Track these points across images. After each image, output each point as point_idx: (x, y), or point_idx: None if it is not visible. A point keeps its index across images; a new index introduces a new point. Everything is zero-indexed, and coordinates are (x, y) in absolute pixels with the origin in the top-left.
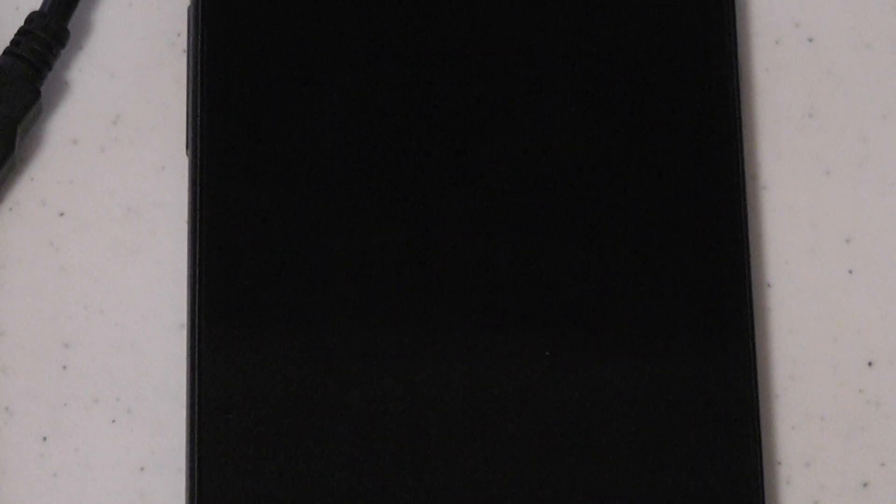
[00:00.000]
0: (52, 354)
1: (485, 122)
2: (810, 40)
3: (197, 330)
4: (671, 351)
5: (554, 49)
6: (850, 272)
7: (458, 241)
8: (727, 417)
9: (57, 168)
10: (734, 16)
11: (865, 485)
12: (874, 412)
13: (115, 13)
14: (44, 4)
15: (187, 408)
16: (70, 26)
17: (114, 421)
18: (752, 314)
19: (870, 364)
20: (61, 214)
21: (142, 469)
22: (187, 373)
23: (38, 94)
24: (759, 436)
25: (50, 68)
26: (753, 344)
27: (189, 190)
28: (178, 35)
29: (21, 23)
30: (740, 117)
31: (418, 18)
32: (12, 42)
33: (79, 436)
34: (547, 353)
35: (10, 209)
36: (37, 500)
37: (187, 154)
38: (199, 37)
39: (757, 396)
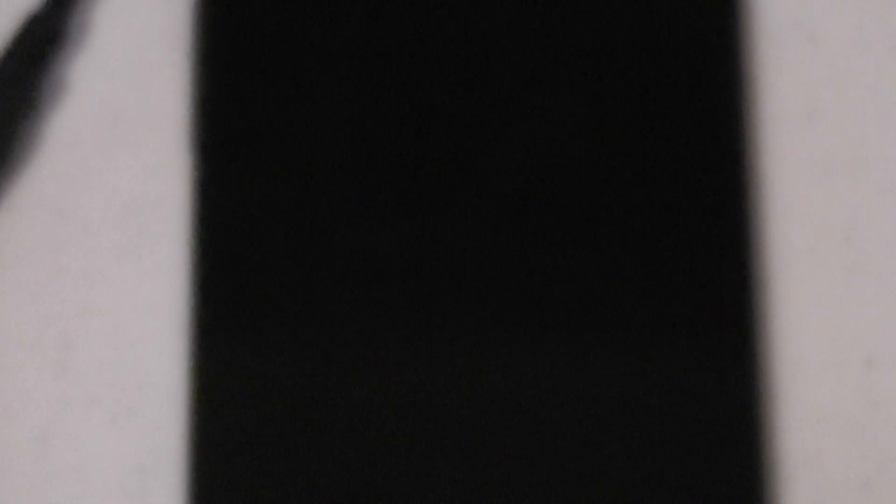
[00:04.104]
0: (52, 354)
1: (487, 123)
2: (810, 40)
3: (197, 330)
4: (671, 351)
5: (556, 49)
6: (850, 272)
7: (459, 241)
8: (727, 417)
9: (57, 168)
10: (735, 16)
11: (865, 485)
12: (874, 412)
13: (115, 13)
14: (43, 4)
15: (187, 408)
16: (70, 26)
17: (114, 421)
18: (752, 314)
19: (870, 364)
20: (61, 215)
21: (142, 469)
22: (187, 373)
23: (37, 94)
24: (760, 436)
25: (49, 68)
26: (754, 344)
27: (189, 190)
28: (179, 35)
29: (21, 23)
30: (741, 117)
31: (420, 17)
32: (11, 42)
33: (78, 436)
34: (548, 354)
35: (10, 209)
36: (36, 500)
37: (188, 153)
38: (199, 37)
39: (757, 396)
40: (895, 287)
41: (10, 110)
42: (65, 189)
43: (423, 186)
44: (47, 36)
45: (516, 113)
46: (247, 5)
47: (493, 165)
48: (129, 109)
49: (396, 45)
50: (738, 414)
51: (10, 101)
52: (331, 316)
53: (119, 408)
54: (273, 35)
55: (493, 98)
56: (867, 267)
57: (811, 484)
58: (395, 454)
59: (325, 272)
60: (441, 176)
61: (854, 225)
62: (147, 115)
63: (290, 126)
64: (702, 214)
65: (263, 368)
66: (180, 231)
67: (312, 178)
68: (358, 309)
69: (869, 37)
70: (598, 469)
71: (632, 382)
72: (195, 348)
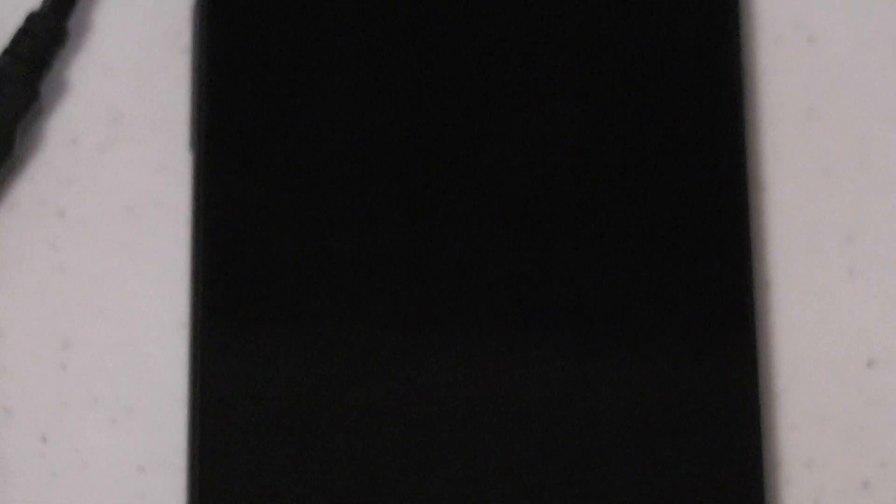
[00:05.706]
0: (52, 354)
1: (488, 122)
2: (810, 40)
3: (197, 330)
4: (671, 351)
5: (557, 48)
6: (850, 272)
7: (461, 241)
8: (727, 417)
9: (57, 168)
10: (735, 16)
11: (865, 485)
12: (874, 412)
13: (115, 13)
14: (43, 4)
15: (187, 408)
16: (70, 26)
17: (114, 421)
18: (752, 314)
19: (870, 364)
20: (61, 214)
21: (142, 469)
22: (187, 373)
23: (37, 93)
24: (760, 436)
25: (49, 68)
26: (754, 344)
27: (191, 189)
28: (179, 35)
29: (21, 22)
30: (742, 117)
31: (421, 17)
32: (11, 41)
33: (78, 436)
34: (547, 354)
35: (10, 209)
36: (36, 500)
37: (189, 153)
38: (202, 35)
39: (757, 396)
40: (895, 287)
41: (10, 110)
42: (65, 189)
43: (425, 186)
44: (47, 35)
45: (515, 113)
46: (247, 5)
47: (493, 165)
48: (129, 109)
49: (397, 45)
50: (738, 414)
51: (10, 100)
52: (332, 315)
53: (119, 407)
54: (274, 34)
55: (493, 98)
56: (868, 267)
57: (811, 484)
58: (396, 454)
59: (326, 272)
60: (443, 175)
61: (855, 225)
62: (147, 115)
63: (291, 126)
64: (702, 214)
65: (265, 368)
66: (180, 231)
67: (313, 177)
68: (358, 308)
69: (869, 37)
70: (598, 469)
71: (631, 382)
72: (196, 348)
